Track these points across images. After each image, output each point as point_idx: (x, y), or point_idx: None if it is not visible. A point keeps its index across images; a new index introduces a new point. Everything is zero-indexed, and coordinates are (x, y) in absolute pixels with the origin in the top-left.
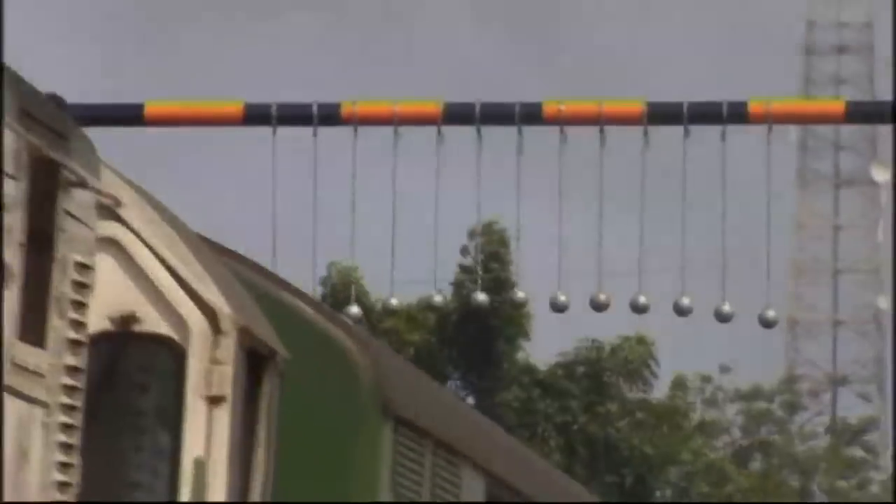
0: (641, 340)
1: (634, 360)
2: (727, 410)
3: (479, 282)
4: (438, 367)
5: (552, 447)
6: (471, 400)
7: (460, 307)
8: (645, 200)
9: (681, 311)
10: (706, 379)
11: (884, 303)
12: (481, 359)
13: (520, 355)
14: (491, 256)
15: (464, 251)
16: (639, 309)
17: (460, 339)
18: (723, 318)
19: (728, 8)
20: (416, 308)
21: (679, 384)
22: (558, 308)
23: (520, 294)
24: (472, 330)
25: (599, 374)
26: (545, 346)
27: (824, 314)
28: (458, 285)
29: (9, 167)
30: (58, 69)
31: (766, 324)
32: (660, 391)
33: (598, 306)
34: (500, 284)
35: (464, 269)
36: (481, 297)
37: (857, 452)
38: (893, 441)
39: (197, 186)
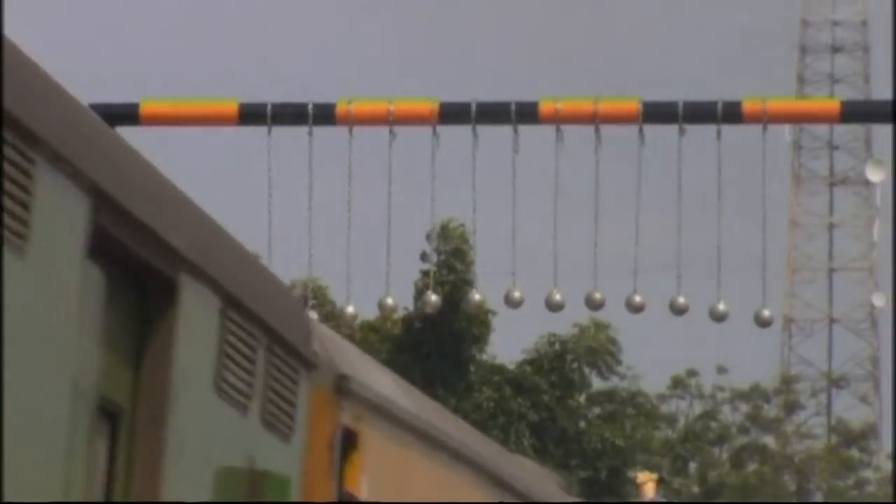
0: (600, 327)
1: (598, 346)
2: (725, 411)
3: (476, 283)
4: (406, 377)
5: (526, 446)
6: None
7: (424, 313)
8: (640, 199)
9: (676, 310)
10: (692, 373)
11: (879, 301)
12: (450, 363)
13: (485, 356)
14: (453, 256)
15: (423, 256)
16: (634, 308)
17: (427, 345)
18: (717, 317)
19: (723, 7)
20: (378, 319)
21: (678, 382)
22: (554, 307)
23: (476, 296)
24: (437, 334)
25: (565, 367)
26: (505, 344)
27: (819, 313)
28: (419, 291)
29: None
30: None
31: (762, 323)
32: (650, 385)
33: (594, 305)
34: (464, 285)
35: (425, 273)
36: (477, 297)
37: (854, 453)
38: (893, 440)
39: (191, 185)
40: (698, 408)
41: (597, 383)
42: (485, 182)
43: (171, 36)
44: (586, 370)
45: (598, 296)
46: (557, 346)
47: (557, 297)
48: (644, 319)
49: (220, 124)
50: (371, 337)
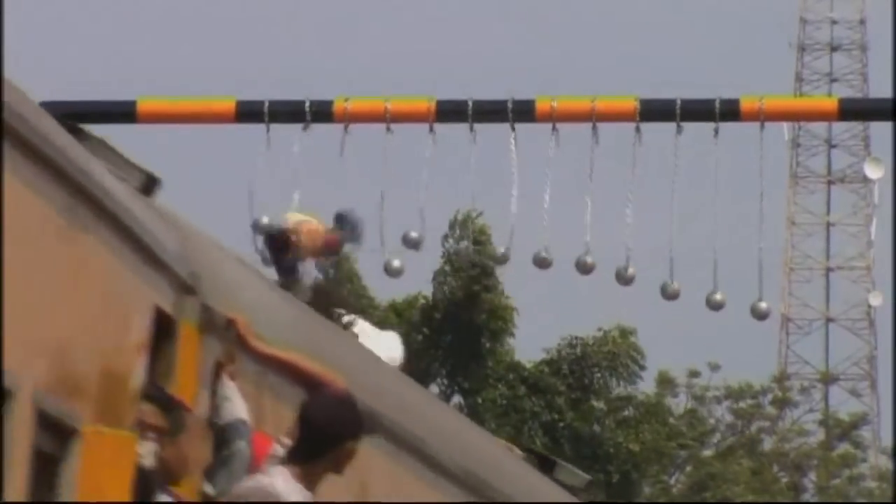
0: (624, 332)
1: (620, 353)
2: (716, 409)
3: (497, 275)
4: (424, 365)
5: (538, 445)
6: (457, 399)
7: (444, 301)
8: (637, 197)
9: (668, 295)
10: (694, 374)
11: (876, 300)
12: (467, 356)
13: (504, 352)
14: (474, 245)
15: (445, 238)
16: (625, 281)
17: (445, 335)
18: (714, 305)
19: (721, 5)
20: (404, 304)
21: (665, 380)
22: (545, 263)
23: (501, 250)
24: (457, 325)
25: (584, 371)
26: (527, 343)
27: (816, 312)
28: (438, 282)
29: None
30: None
31: (759, 315)
32: (647, 385)
33: (585, 269)
34: (481, 275)
35: (447, 258)
36: (502, 249)
37: (849, 449)
38: (893, 440)
39: (189, 182)
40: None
41: (617, 389)
42: (497, 178)
43: (169, 33)
44: (606, 375)
45: (589, 259)
46: (578, 350)
47: (543, 255)
48: (640, 319)
49: (217, 122)
50: (391, 318)
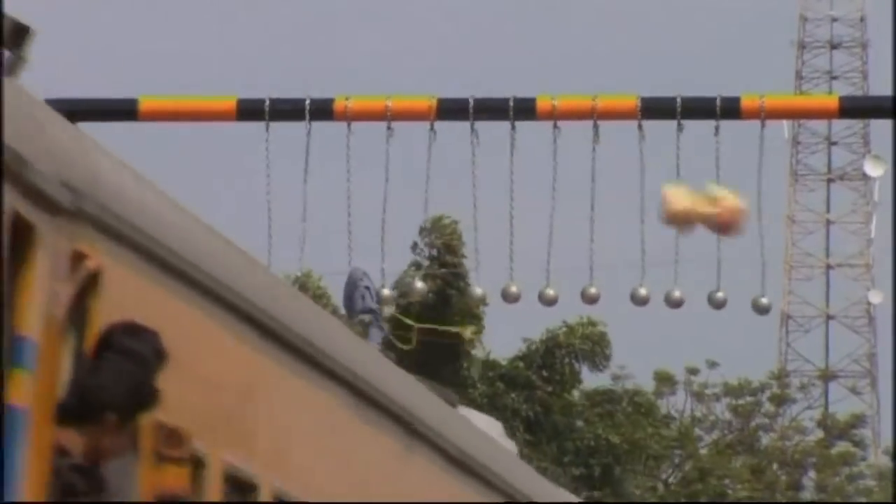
0: (592, 323)
1: (590, 342)
2: (715, 406)
3: (468, 277)
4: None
5: (521, 441)
6: None
7: (416, 305)
8: (643, 195)
9: (672, 303)
10: (692, 371)
11: (875, 298)
12: (441, 358)
13: (479, 351)
14: (445, 250)
15: (415, 247)
16: (639, 301)
17: (418, 341)
18: (717, 304)
19: (721, 2)
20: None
21: (663, 378)
22: (547, 302)
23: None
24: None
25: (556, 362)
26: (500, 339)
27: (816, 309)
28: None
29: None
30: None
31: (760, 310)
32: (645, 383)
33: (589, 300)
34: (454, 278)
35: (417, 266)
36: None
37: (848, 448)
38: (894, 438)
39: (191, 181)
40: (692, 404)
41: (591, 380)
42: (488, 177)
43: (171, 31)
44: (577, 364)
45: (593, 290)
46: (547, 341)
47: (551, 292)
48: (641, 317)
49: (218, 120)
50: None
